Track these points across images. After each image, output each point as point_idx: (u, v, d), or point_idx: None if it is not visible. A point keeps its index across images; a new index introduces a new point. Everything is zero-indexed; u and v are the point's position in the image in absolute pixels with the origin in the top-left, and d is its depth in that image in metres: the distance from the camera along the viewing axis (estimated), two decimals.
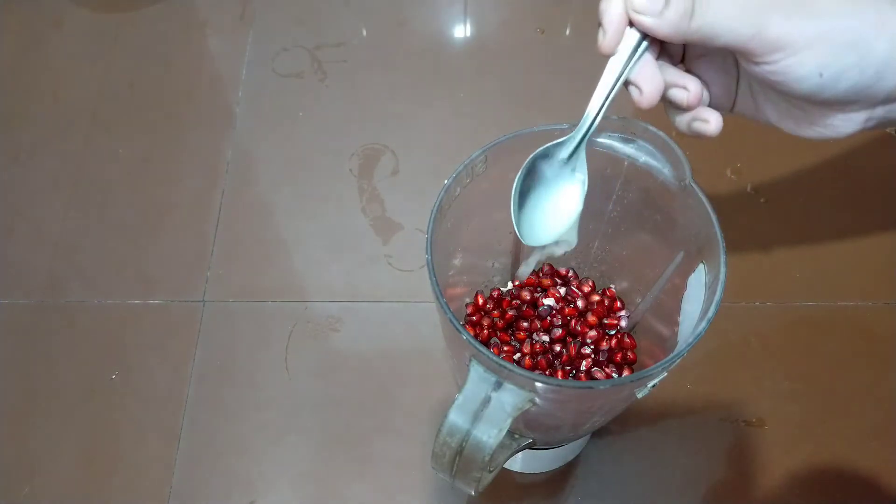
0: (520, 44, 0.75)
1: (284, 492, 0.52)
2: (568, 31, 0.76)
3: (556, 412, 0.36)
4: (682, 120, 0.33)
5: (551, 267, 0.49)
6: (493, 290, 0.49)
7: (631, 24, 0.30)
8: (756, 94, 0.34)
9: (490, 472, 0.36)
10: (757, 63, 0.29)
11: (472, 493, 0.35)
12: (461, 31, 0.77)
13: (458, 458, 0.33)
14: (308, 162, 0.68)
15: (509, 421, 0.32)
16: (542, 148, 0.34)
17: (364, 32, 0.76)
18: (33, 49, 0.77)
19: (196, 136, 0.70)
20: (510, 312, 0.47)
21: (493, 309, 0.47)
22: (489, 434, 0.32)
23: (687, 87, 0.32)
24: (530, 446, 0.41)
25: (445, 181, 0.37)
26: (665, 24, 0.29)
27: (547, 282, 0.48)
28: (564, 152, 0.35)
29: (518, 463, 0.51)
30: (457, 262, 0.44)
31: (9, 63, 0.76)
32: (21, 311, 0.61)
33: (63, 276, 0.62)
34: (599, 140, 0.38)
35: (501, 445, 0.33)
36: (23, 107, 0.73)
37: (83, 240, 0.64)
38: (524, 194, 0.35)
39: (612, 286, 0.49)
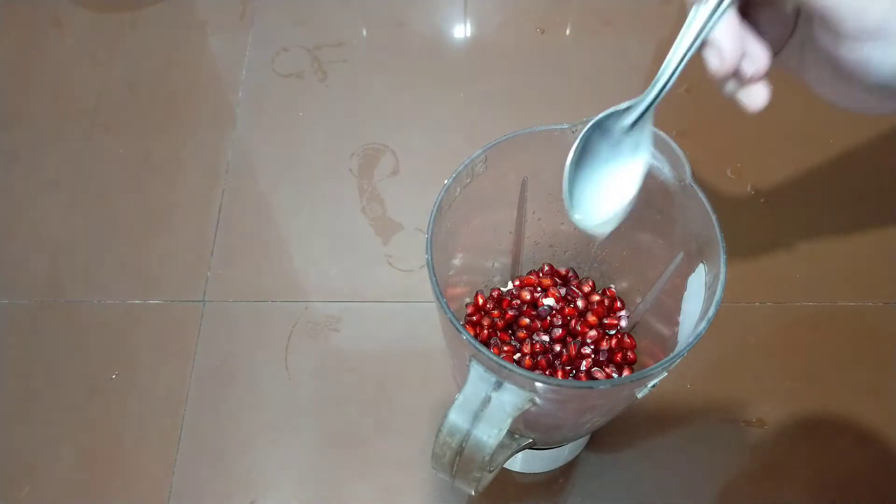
0: (520, 44, 0.75)
1: (284, 492, 0.52)
2: (568, 31, 0.76)
3: (556, 412, 0.36)
4: (729, 86, 0.30)
5: (551, 267, 0.49)
6: (493, 290, 0.49)
7: None
8: (806, 56, 0.31)
9: (490, 472, 0.36)
10: (840, 41, 0.26)
11: (472, 493, 0.35)
12: (461, 31, 0.77)
13: (459, 458, 0.33)
14: (308, 162, 0.68)
15: (509, 421, 0.32)
16: (602, 114, 0.31)
17: (364, 32, 0.76)
18: (33, 49, 0.77)
19: (196, 136, 0.70)
20: (510, 312, 0.47)
21: (493, 309, 0.47)
22: (489, 434, 0.32)
23: (757, 58, 0.29)
24: (530, 446, 0.41)
25: (445, 181, 0.37)
26: None
27: (547, 282, 0.48)
28: (627, 119, 0.31)
29: (518, 463, 0.51)
30: (457, 262, 0.44)
31: (9, 63, 0.76)
32: (21, 311, 0.61)
33: (63, 276, 0.62)
34: None
35: (501, 445, 0.33)
36: (23, 107, 0.73)
37: (83, 240, 0.64)
38: (577, 169, 0.32)
39: (612, 286, 0.49)
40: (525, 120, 0.38)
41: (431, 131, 0.69)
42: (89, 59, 0.75)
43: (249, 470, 0.53)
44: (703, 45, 0.28)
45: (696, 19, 0.28)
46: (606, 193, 0.33)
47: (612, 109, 0.31)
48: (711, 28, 0.28)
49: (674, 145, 0.36)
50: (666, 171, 0.37)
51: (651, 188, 0.39)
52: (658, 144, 0.37)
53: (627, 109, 0.31)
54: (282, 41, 0.76)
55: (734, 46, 0.28)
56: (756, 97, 0.30)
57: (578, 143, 0.31)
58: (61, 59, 0.76)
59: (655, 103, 0.30)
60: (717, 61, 0.28)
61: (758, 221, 0.63)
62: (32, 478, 0.53)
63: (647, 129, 0.31)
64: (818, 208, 0.63)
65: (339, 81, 0.73)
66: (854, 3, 0.26)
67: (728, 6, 0.27)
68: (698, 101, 0.69)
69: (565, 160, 0.32)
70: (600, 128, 0.32)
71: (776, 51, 0.31)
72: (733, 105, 0.32)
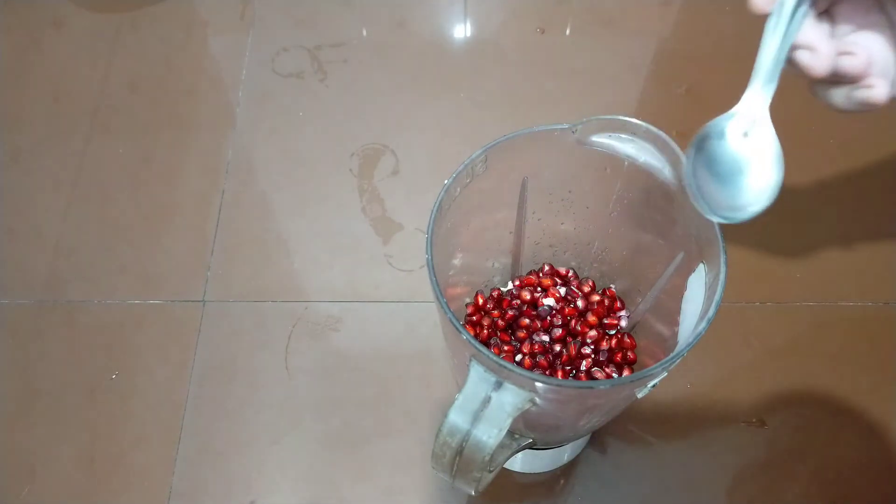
0: (520, 44, 0.75)
1: (284, 492, 0.52)
2: (568, 31, 0.76)
3: (556, 412, 0.36)
4: (838, 93, 0.30)
5: (551, 267, 0.49)
6: (493, 289, 0.49)
7: None
8: None
9: (490, 472, 0.36)
10: None
11: (473, 493, 0.35)
12: (461, 31, 0.77)
13: (459, 458, 0.33)
14: (308, 162, 0.68)
15: (509, 421, 0.32)
16: (706, 128, 0.31)
17: (364, 32, 0.76)
18: (33, 49, 0.77)
19: (196, 136, 0.70)
20: (510, 312, 0.47)
21: (494, 309, 0.47)
22: (489, 434, 0.32)
23: (853, 52, 0.28)
24: (530, 446, 0.41)
25: (445, 181, 0.37)
26: None
27: (547, 282, 0.48)
28: (741, 128, 0.31)
29: (518, 463, 0.51)
30: (457, 262, 0.44)
31: (9, 63, 0.76)
32: (21, 311, 0.61)
33: (63, 276, 0.62)
34: (599, 140, 0.38)
35: (501, 445, 0.33)
36: (23, 107, 0.73)
37: (83, 240, 0.64)
38: (708, 174, 0.32)
39: (612, 286, 0.49)
40: (525, 120, 0.38)
41: (431, 131, 0.69)
42: (89, 59, 0.76)
43: (249, 470, 0.53)
44: (792, 49, 0.28)
45: (771, 32, 0.28)
46: (743, 185, 0.33)
47: (714, 122, 0.31)
48: (795, 31, 0.27)
49: (674, 145, 0.36)
50: (666, 171, 0.37)
51: (651, 188, 0.39)
52: (658, 145, 0.37)
53: (731, 116, 0.31)
54: (282, 41, 0.76)
55: (826, 46, 0.27)
56: (872, 90, 0.29)
57: (690, 154, 0.31)
58: (61, 59, 0.76)
59: (767, 106, 0.30)
60: (810, 61, 0.28)
61: (758, 221, 0.62)
62: (32, 478, 0.53)
63: (766, 127, 0.31)
64: (818, 208, 0.63)
65: (339, 81, 0.73)
66: None
67: (805, 5, 0.27)
68: (698, 101, 0.69)
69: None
70: (715, 134, 0.31)
71: (889, 80, 0.30)
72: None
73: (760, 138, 0.31)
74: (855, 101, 0.30)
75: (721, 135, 0.31)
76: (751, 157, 0.31)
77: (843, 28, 0.30)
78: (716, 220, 0.32)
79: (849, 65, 0.28)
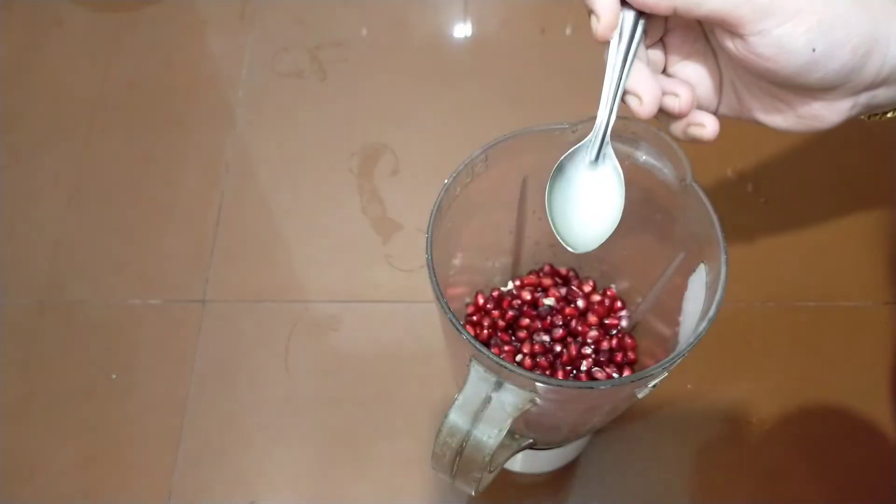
0: (520, 44, 0.75)
1: (284, 492, 0.52)
2: (568, 31, 0.76)
3: (556, 412, 0.36)
4: (677, 127, 0.33)
5: (551, 267, 0.49)
6: (493, 289, 0.49)
7: (623, 3, 0.30)
8: (740, 91, 0.33)
9: (490, 472, 0.36)
10: (746, 35, 0.28)
11: (473, 494, 0.35)
12: (461, 30, 0.76)
13: (459, 459, 0.33)
14: (308, 162, 0.68)
15: (510, 421, 0.32)
16: (564, 155, 0.33)
17: (364, 32, 0.76)
18: (33, 49, 0.77)
19: (196, 136, 0.70)
20: (510, 312, 0.47)
21: (494, 309, 0.47)
22: (489, 434, 0.32)
23: (677, 93, 0.32)
24: (530, 446, 0.41)
25: (445, 181, 0.37)
26: None
27: (547, 282, 0.48)
28: (590, 155, 0.33)
29: (518, 463, 0.51)
30: (457, 261, 0.44)
31: (9, 63, 0.76)
32: (21, 311, 0.60)
33: (63, 276, 0.62)
34: None
35: (502, 445, 0.33)
36: (23, 107, 0.73)
37: (83, 240, 0.64)
38: (562, 203, 0.34)
39: (612, 286, 0.49)
40: (525, 120, 0.38)
41: (431, 131, 0.69)
42: (89, 59, 0.75)
43: (249, 470, 0.53)
44: (624, 94, 0.31)
45: (612, 59, 0.31)
46: (591, 217, 0.34)
47: (569, 151, 0.33)
48: (625, 78, 0.30)
49: (674, 146, 0.36)
50: (666, 171, 0.37)
51: (652, 188, 0.39)
52: (658, 145, 0.37)
53: (583, 146, 0.33)
54: (282, 41, 0.76)
55: (650, 92, 0.30)
56: (703, 129, 0.32)
57: (550, 182, 0.33)
58: (61, 59, 0.76)
59: (606, 137, 0.32)
60: (637, 106, 0.31)
61: (758, 221, 0.63)
62: (32, 478, 0.53)
63: (610, 154, 0.33)
64: (818, 208, 0.63)
65: (339, 81, 0.73)
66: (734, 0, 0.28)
67: (632, 59, 0.30)
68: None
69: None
70: (571, 161, 0.34)
71: (715, 101, 0.34)
72: None
73: (604, 167, 0.33)
74: (689, 136, 0.33)
75: (573, 162, 0.33)
76: (596, 185, 0.34)
77: (673, 57, 0.33)
78: (570, 249, 0.34)
79: (674, 105, 0.32)
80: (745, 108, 0.34)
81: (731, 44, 0.30)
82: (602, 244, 0.34)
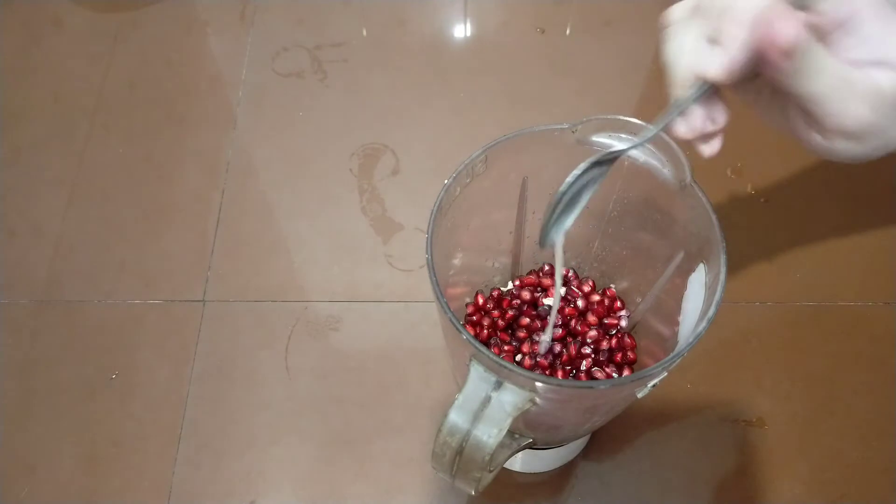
0: (520, 44, 0.75)
1: (284, 492, 0.52)
2: (568, 31, 0.76)
3: (556, 412, 0.36)
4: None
5: (552, 266, 0.49)
6: (493, 289, 0.49)
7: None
8: (761, 98, 0.32)
9: (490, 471, 0.36)
10: (815, 130, 0.29)
11: (473, 493, 0.35)
12: (461, 30, 0.77)
13: (459, 458, 0.33)
14: (308, 162, 0.68)
15: (509, 421, 0.32)
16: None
17: (364, 32, 0.76)
18: (33, 49, 0.77)
19: (196, 136, 0.70)
20: (510, 312, 0.47)
21: (494, 309, 0.47)
22: (489, 434, 0.32)
23: (716, 121, 0.31)
24: (530, 446, 0.41)
25: (445, 181, 0.37)
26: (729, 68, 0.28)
27: (547, 282, 0.48)
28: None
29: (518, 463, 0.51)
30: (457, 261, 0.44)
31: (9, 63, 0.76)
32: (21, 311, 0.61)
33: (63, 276, 0.62)
34: (599, 140, 0.38)
35: (501, 445, 0.33)
36: (23, 107, 0.73)
37: (83, 240, 0.64)
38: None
39: (612, 286, 0.49)
40: (525, 120, 0.38)
41: (431, 131, 0.69)
42: (89, 58, 0.75)
43: (249, 470, 0.53)
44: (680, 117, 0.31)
45: (680, 104, 0.30)
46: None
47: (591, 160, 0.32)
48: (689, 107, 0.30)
49: (674, 146, 0.36)
50: (666, 171, 0.37)
51: (651, 188, 0.39)
52: (658, 145, 0.37)
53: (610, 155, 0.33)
54: (282, 41, 0.76)
55: (703, 118, 0.30)
56: (712, 147, 0.32)
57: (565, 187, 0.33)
58: (61, 59, 0.76)
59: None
60: (685, 129, 0.31)
61: (758, 221, 0.63)
62: (32, 478, 0.53)
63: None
64: (818, 208, 0.63)
65: (339, 81, 0.73)
66: (839, 104, 0.27)
67: (704, 93, 0.30)
68: None
69: (564, 175, 0.33)
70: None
71: (750, 97, 0.33)
72: (734, 106, 0.32)
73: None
74: (694, 145, 0.32)
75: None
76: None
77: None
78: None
79: (706, 150, 0.32)
80: (757, 106, 0.33)
81: (795, 115, 0.30)
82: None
